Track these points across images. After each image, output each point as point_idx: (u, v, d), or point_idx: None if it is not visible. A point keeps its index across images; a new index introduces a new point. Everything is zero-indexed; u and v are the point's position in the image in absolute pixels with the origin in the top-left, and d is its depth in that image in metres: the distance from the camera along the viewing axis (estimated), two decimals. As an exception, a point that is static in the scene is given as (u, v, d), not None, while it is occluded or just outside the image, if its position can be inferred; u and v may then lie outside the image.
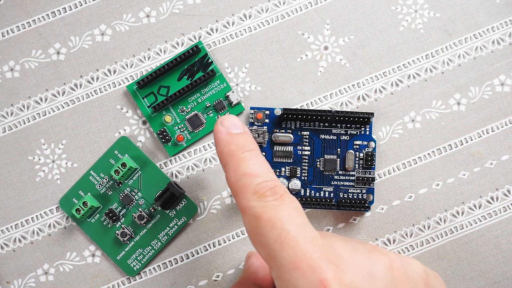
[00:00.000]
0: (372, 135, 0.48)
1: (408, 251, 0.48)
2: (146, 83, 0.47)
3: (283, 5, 0.49)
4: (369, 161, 0.47)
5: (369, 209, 0.46)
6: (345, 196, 0.47)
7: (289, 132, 0.48)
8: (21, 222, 0.48)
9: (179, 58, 0.47)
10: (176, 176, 0.48)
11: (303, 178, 0.47)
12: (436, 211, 0.48)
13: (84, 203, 0.46)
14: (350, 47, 0.49)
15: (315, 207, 0.46)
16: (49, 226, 0.48)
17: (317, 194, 0.47)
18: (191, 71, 0.48)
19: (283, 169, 0.47)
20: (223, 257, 0.48)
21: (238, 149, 0.37)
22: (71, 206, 0.47)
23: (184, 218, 0.47)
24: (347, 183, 0.47)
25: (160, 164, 0.48)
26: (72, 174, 0.48)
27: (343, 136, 0.48)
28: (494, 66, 0.48)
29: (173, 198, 0.46)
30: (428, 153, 0.48)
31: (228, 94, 0.48)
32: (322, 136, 0.48)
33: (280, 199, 0.34)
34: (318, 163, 0.47)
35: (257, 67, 0.49)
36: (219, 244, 0.48)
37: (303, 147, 0.48)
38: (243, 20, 0.49)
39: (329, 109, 0.48)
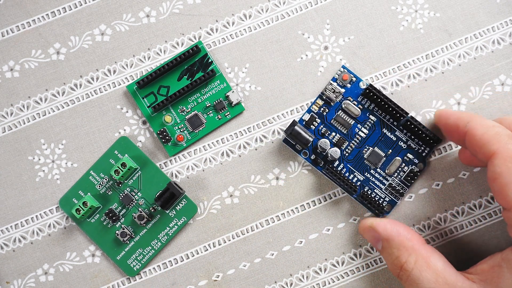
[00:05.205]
0: (426, 159, 0.48)
1: (408, 251, 0.48)
2: (146, 83, 0.47)
3: (283, 5, 0.49)
4: (409, 178, 0.47)
5: (382, 215, 0.46)
6: (369, 192, 0.47)
7: (359, 108, 0.47)
8: (21, 222, 0.48)
9: (179, 58, 0.47)
10: (176, 176, 0.48)
11: (345, 152, 0.47)
12: (436, 211, 0.48)
13: (84, 203, 0.46)
14: (350, 47, 0.49)
15: (336, 182, 0.46)
16: (49, 226, 0.48)
17: (347, 174, 0.47)
18: (191, 71, 0.48)
19: (333, 134, 0.47)
20: (223, 257, 0.48)
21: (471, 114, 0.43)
22: (71, 206, 0.47)
23: (184, 218, 0.47)
24: (377, 183, 0.47)
25: (160, 164, 0.48)
26: (72, 174, 0.48)
27: (402, 143, 0.47)
28: (494, 66, 0.48)
29: (173, 198, 0.46)
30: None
31: (228, 94, 0.48)
32: (384, 130, 0.47)
33: None
34: (366, 149, 0.47)
35: (257, 67, 0.49)
36: (219, 244, 0.48)
37: (363, 128, 0.47)
38: (243, 20, 0.49)
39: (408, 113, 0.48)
